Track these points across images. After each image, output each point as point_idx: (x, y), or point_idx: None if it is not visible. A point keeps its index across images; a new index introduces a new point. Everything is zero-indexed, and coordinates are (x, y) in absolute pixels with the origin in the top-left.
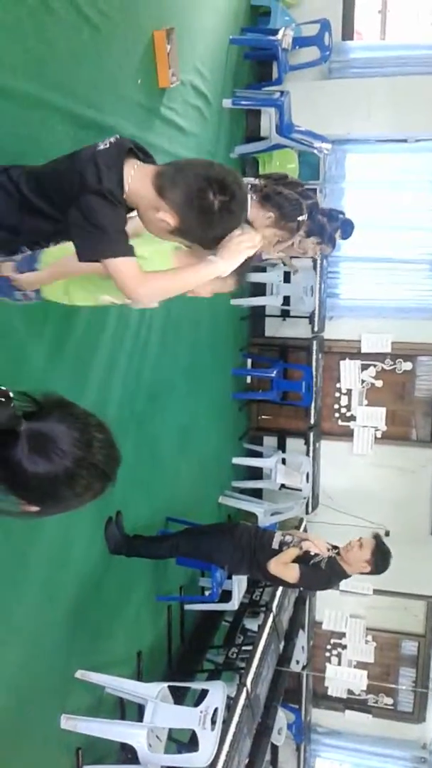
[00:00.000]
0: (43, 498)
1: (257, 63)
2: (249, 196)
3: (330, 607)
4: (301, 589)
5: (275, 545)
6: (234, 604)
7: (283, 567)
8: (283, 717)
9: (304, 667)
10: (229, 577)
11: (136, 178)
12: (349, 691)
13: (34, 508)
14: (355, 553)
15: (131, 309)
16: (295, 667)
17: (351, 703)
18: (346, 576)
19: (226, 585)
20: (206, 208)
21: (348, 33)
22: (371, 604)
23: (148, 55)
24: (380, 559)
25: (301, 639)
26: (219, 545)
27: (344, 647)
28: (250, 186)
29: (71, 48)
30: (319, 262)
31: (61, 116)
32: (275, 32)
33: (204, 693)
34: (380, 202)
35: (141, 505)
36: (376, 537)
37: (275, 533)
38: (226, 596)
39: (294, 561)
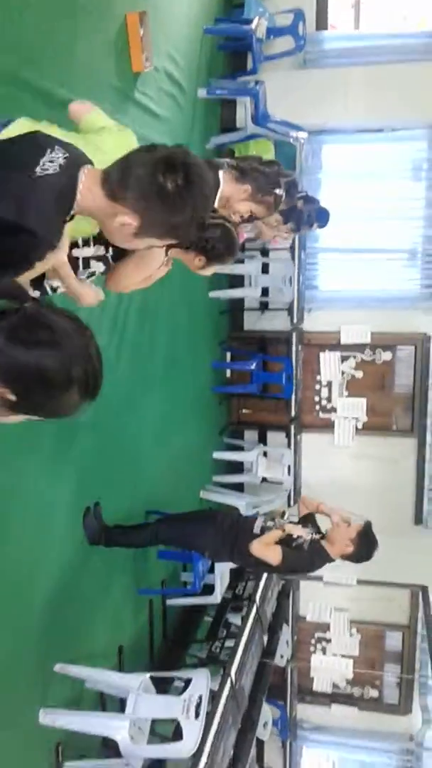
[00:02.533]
0: (26, 384)
1: (232, 54)
2: (225, 173)
3: (314, 599)
4: (284, 574)
5: (257, 530)
6: (217, 597)
7: (266, 548)
8: (268, 711)
9: (288, 661)
10: (211, 571)
11: (86, 188)
12: (335, 685)
13: (12, 397)
14: (341, 531)
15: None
16: (279, 662)
17: (337, 697)
18: (329, 558)
19: (208, 579)
20: (162, 193)
21: (322, 23)
22: (355, 595)
23: (121, 37)
24: (364, 542)
25: (285, 633)
26: (200, 531)
27: (328, 641)
28: (225, 164)
29: (41, 24)
30: (296, 251)
31: (31, 93)
32: (249, 22)
33: (187, 685)
34: (357, 192)
35: (120, 497)
36: (366, 523)
37: (257, 518)
38: (209, 591)
39: (276, 543)
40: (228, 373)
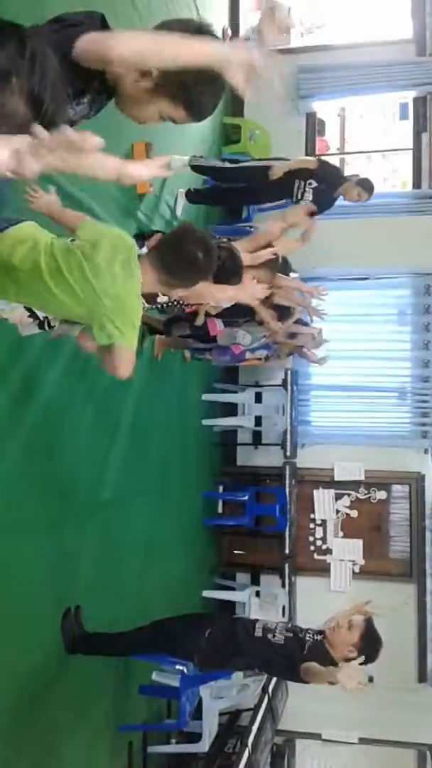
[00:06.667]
0: None
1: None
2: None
3: (312, 757)
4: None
5: (258, 632)
6: (204, 745)
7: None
8: None
9: None
10: (198, 717)
11: None
12: None
13: None
14: (342, 635)
15: (101, 377)
16: None
17: None
18: (332, 663)
19: (195, 727)
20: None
21: None
22: (356, 761)
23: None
24: (368, 645)
25: None
26: (187, 634)
27: None
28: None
29: None
30: (289, 385)
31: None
32: None
33: None
34: (346, 333)
35: (102, 607)
36: (368, 620)
37: (256, 620)
38: (196, 739)
39: None
40: (220, 506)
